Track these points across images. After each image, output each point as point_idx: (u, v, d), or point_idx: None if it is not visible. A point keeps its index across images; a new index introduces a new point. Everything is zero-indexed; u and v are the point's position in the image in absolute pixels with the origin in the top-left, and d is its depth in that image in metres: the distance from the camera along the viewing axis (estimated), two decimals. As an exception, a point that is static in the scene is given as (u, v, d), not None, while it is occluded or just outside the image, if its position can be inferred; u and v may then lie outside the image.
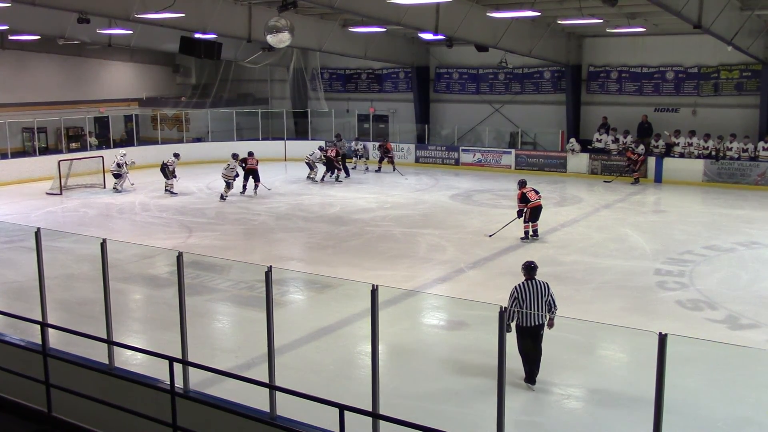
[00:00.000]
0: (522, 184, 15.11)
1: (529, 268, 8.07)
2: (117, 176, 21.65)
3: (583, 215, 17.62)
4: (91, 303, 10.05)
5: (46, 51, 28.11)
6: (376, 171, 25.52)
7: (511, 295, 7.87)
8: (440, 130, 28.23)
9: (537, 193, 14.88)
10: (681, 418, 6.95)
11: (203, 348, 8.84)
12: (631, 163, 22.32)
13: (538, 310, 7.74)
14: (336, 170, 23.48)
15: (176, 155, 21.74)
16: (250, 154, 21.06)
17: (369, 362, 5.53)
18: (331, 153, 23.66)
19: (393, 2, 15.40)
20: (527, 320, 7.74)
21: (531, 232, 14.96)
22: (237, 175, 20.24)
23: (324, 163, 23.62)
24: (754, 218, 17.24)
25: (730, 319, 10.37)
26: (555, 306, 7.92)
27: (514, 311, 7.68)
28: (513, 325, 7.67)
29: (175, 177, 21.34)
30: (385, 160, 25.37)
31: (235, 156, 20.56)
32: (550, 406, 7.83)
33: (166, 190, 21.10)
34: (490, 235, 14.84)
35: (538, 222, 15.01)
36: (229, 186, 20.09)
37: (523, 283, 7.96)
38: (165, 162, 21.34)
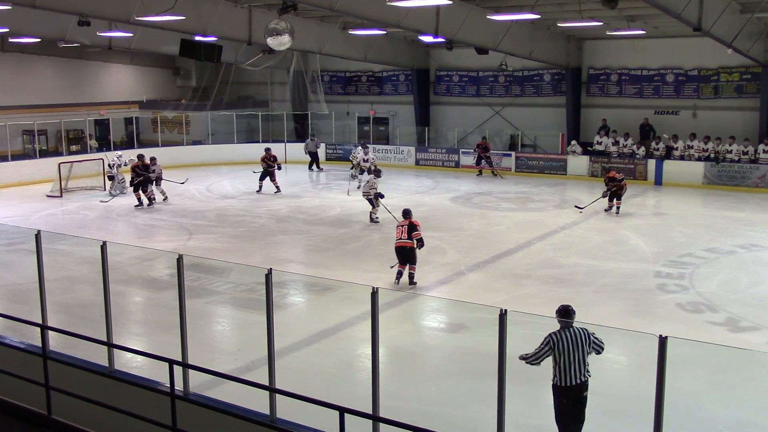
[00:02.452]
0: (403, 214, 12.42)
1: (566, 313, 6.61)
2: (110, 178, 21.37)
3: (583, 218, 17.61)
4: (91, 305, 10.04)
5: (47, 53, 28.13)
6: (477, 175, 24.61)
7: (546, 342, 6.44)
8: (447, 132, 28.15)
9: (413, 229, 11.78)
10: (681, 420, 6.94)
11: (203, 350, 8.82)
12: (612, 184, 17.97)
13: (579, 365, 6.42)
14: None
15: (152, 159, 19.81)
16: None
17: (369, 365, 5.53)
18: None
19: (393, 5, 15.42)
20: (568, 378, 6.41)
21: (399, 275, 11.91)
22: (378, 195, 16.97)
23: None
24: (754, 221, 17.23)
25: (730, 321, 10.36)
26: (602, 345, 6.61)
27: (544, 354, 6.45)
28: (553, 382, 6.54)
29: (152, 183, 19.54)
30: (483, 162, 24.60)
31: (377, 172, 17.61)
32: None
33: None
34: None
35: (411, 266, 11.83)
36: (373, 203, 17.06)
37: (559, 331, 6.47)
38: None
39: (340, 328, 10.29)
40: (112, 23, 21.08)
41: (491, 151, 24.93)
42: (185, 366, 6.35)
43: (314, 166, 26.47)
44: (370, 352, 5.46)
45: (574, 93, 25.20)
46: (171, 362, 6.21)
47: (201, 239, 15.77)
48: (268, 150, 21.67)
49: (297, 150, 27.90)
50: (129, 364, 8.21)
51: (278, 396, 5.92)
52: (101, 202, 19.88)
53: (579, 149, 24.31)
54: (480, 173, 24.84)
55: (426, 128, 27.96)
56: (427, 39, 21.37)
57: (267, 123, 30.09)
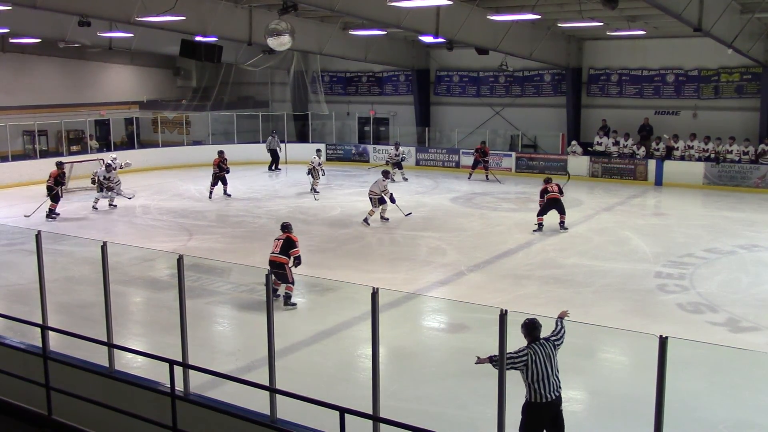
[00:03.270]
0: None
1: (534, 327, 6.14)
2: (96, 182, 19.70)
3: (584, 218, 17.61)
4: (91, 306, 10.05)
5: (47, 54, 28.13)
6: (467, 178, 24.01)
7: (526, 353, 6.05)
8: (449, 132, 28.06)
9: (291, 245, 10.88)
10: (681, 421, 6.94)
11: (203, 351, 8.83)
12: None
13: (554, 378, 6.07)
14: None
15: (108, 165, 19.32)
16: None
17: (369, 365, 5.52)
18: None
19: (393, 5, 15.42)
20: (546, 393, 6.01)
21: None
22: (388, 196, 16.93)
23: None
24: (754, 221, 17.23)
25: (730, 322, 10.36)
26: (560, 336, 6.33)
27: (520, 361, 6.04)
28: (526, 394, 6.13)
29: (104, 191, 19.04)
30: (479, 166, 23.94)
31: (385, 174, 17.45)
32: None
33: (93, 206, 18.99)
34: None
35: (287, 285, 10.88)
36: (373, 204, 16.88)
37: (532, 345, 6.11)
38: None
39: (340, 328, 10.29)
40: (113, 24, 21.08)
41: (489, 156, 24.28)
42: (185, 366, 6.35)
43: (273, 166, 26.31)
44: (371, 353, 5.46)
45: (575, 93, 25.20)
46: (171, 362, 6.21)
47: (201, 239, 15.77)
48: (221, 153, 20.83)
49: (297, 150, 27.99)
50: (129, 364, 8.21)
51: (278, 396, 5.91)
52: (25, 215, 17.89)
53: (579, 150, 24.31)
54: (469, 176, 24.13)
55: (426, 128, 27.98)
56: (428, 39, 21.37)
57: (267, 123, 30.11)
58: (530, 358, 6.04)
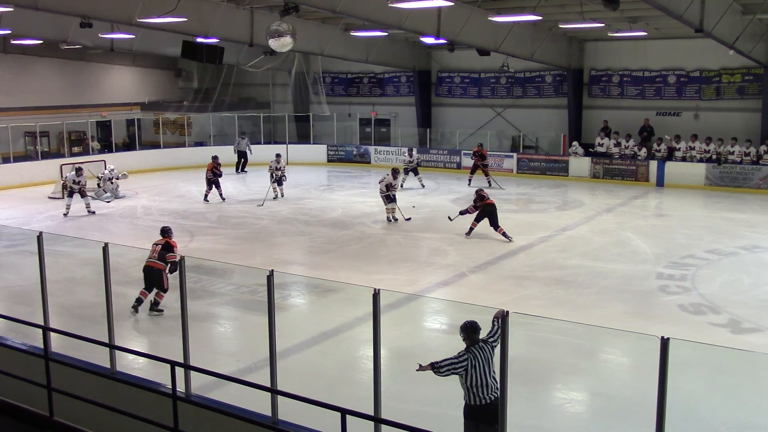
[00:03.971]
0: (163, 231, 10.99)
1: (473, 331, 6.10)
2: (77, 192, 18.59)
3: (585, 219, 17.61)
4: (92, 307, 10.05)
5: (49, 55, 28.16)
6: (468, 185, 22.61)
7: (466, 358, 6.00)
8: (450, 133, 28.02)
9: (169, 250, 10.67)
10: (683, 422, 6.93)
11: (205, 352, 8.83)
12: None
13: (492, 380, 6.02)
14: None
15: (78, 169, 18.75)
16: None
17: (371, 366, 5.53)
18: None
19: (395, 6, 15.41)
20: (484, 395, 5.96)
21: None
22: (389, 196, 17.20)
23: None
24: (756, 222, 17.22)
25: (732, 323, 10.35)
26: (495, 336, 6.15)
27: (461, 366, 6.02)
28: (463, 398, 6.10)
29: (72, 196, 18.35)
30: (479, 169, 22.97)
31: (395, 172, 17.53)
32: (552, 411, 7.81)
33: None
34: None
35: (158, 292, 10.71)
36: (384, 201, 17.13)
37: (471, 348, 6.06)
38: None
39: (341, 329, 10.29)
40: (114, 25, 21.08)
41: (488, 159, 23.50)
42: (187, 367, 6.35)
43: (240, 169, 26.04)
44: (372, 354, 5.46)
45: (576, 94, 25.21)
46: (173, 364, 6.22)
47: (202, 241, 15.77)
48: (215, 158, 20.55)
49: (299, 152, 28.01)
50: (131, 365, 8.21)
51: (280, 397, 5.92)
52: None
53: (581, 151, 24.32)
54: (469, 182, 22.85)
55: (428, 130, 27.98)
56: (429, 40, 21.37)
57: (269, 125, 30.11)
58: (470, 363, 6.00)
